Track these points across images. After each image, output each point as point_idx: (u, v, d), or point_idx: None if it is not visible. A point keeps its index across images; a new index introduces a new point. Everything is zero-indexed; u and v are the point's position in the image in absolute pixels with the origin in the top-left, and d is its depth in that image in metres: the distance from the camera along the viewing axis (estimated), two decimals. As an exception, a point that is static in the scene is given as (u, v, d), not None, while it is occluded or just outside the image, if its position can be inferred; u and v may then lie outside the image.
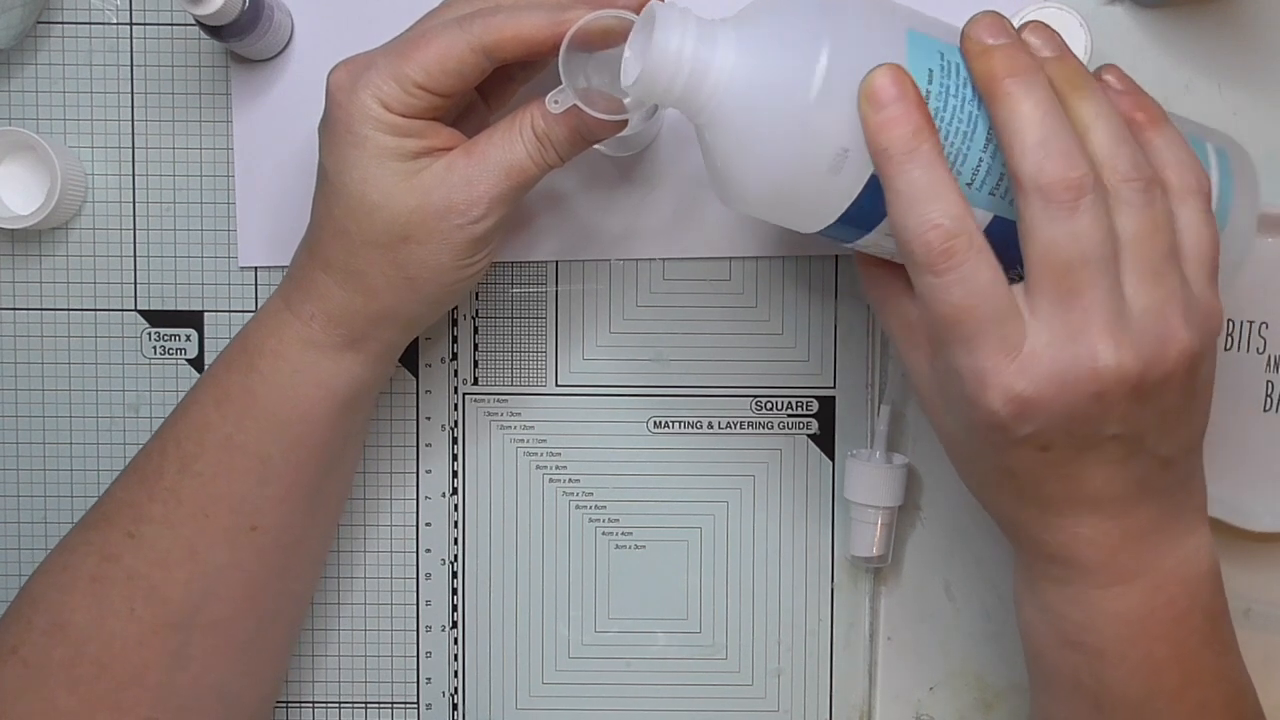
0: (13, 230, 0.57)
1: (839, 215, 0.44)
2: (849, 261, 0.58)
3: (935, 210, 0.41)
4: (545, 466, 0.59)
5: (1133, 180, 0.42)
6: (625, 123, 0.49)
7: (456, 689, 0.60)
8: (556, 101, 0.47)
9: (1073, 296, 0.41)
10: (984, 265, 0.41)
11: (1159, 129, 0.45)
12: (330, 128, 0.48)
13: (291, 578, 0.54)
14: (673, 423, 0.59)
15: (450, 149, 0.48)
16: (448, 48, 0.47)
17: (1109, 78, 0.46)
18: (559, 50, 0.46)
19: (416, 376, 0.59)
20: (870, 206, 0.43)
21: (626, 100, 0.48)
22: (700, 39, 0.43)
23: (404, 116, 0.47)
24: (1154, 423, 0.43)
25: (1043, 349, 0.41)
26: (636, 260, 0.59)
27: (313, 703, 0.60)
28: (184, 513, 0.50)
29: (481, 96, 0.53)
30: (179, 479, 0.50)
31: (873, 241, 0.46)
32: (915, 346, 0.46)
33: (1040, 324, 0.41)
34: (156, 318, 0.59)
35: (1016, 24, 0.53)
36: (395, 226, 0.48)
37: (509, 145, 0.48)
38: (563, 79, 0.46)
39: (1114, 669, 0.46)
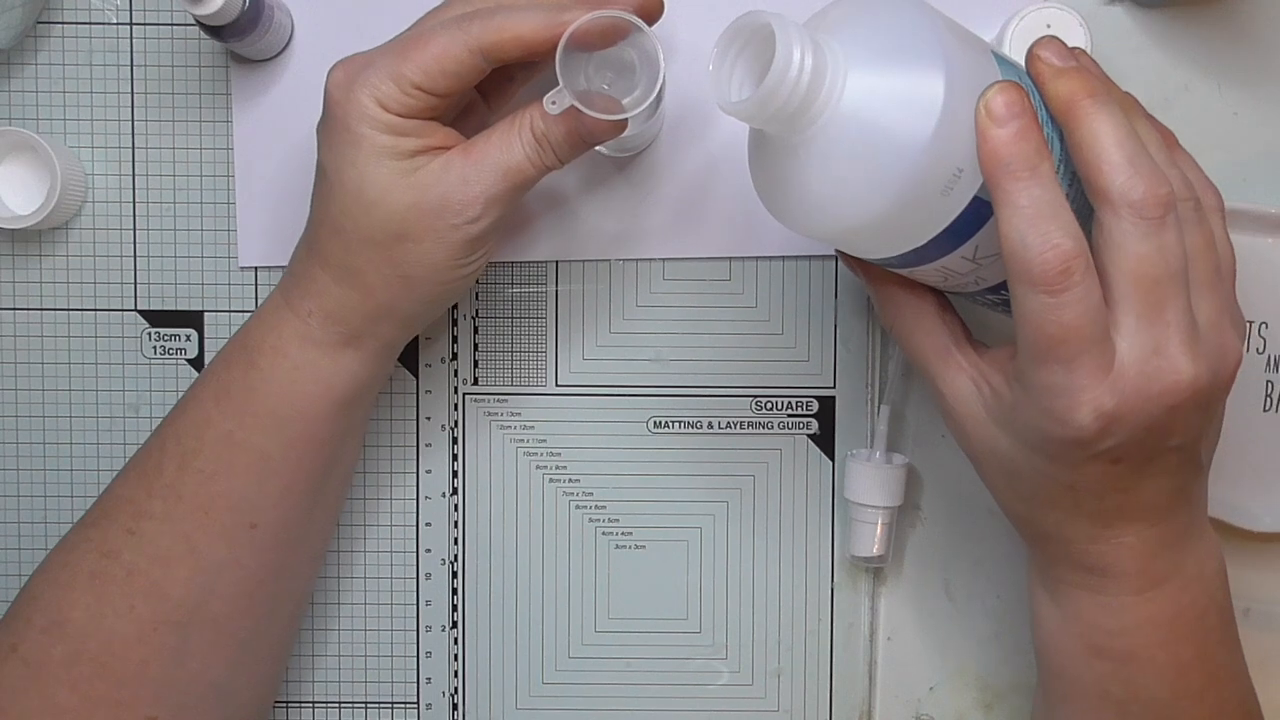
0: (13, 230, 0.57)
1: (928, 239, 0.43)
2: (849, 261, 0.58)
3: (1056, 230, 0.40)
4: (545, 466, 0.59)
5: (1187, 199, 0.43)
6: (625, 125, 0.49)
7: (456, 689, 0.60)
8: (554, 103, 0.47)
9: (1157, 311, 0.41)
10: (1096, 287, 0.41)
11: (1177, 149, 0.46)
12: (328, 126, 0.48)
13: (290, 575, 0.54)
14: (673, 423, 0.59)
15: (448, 148, 0.49)
16: (445, 49, 0.47)
17: None
18: (557, 51, 0.46)
19: (416, 376, 0.59)
20: (962, 229, 0.43)
21: (625, 101, 0.48)
22: (816, 55, 0.41)
23: (401, 116, 0.47)
24: (1205, 432, 0.45)
25: (1129, 365, 0.41)
26: (636, 260, 0.59)
27: (313, 703, 0.60)
28: (184, 509, 0.50)
29: (482, 96, 0.53)
30: (179, 475, 0.50)
31: (942, 265, 0.45)
32: (953, 367, 0.47)
33: (1125, 340, 0.41)
34: (156, 318, 0.59)
35: (1017, 24, 0.53)
36: (391, 224, 0.48)
37: (507, 146, 0.48)
38: (560, 80, 0.46)
39: (1143, 674, 0.46)
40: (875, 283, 0.49)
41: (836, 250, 0.51)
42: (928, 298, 0.48)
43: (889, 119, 0.41)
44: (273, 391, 0.50)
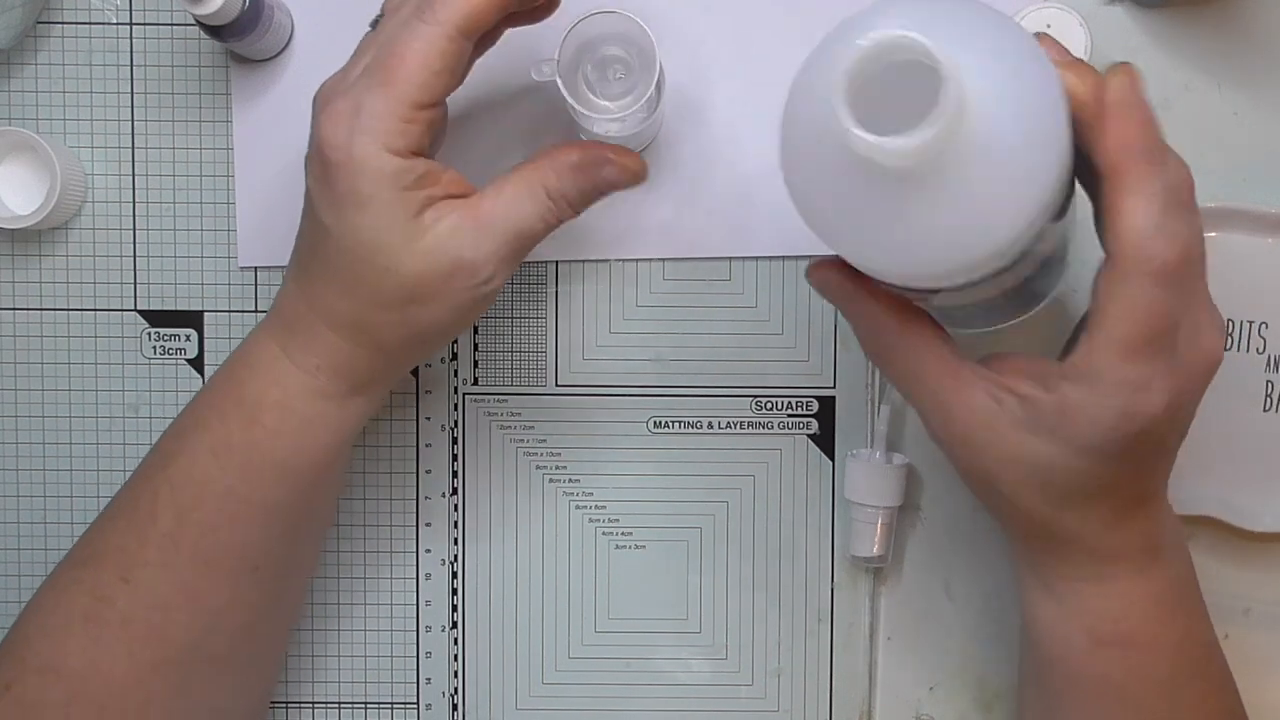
0: (13, 230, 0.57)
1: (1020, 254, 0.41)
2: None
3: (1183, 220, 0.40)
4: (545, 466, 0.59)
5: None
6: (644, 172, 0.49)
7: (456, 689, 0.60)
8: (543, 72, 0.47)
9: (1196, 288, 0.42)
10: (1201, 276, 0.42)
11: None
12: (331, 186, 0.46)
13: (287, 604, 0.54)
14: (673, 423, 0.59)
15: (454, 196, 0.47)
16: (425, 50, 0.45)
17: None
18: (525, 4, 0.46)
19: (416, 376, 0.59)
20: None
21: (624, 100, 0.48)
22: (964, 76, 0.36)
23: (407, 155, 0.45)
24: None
25: (1183, 350, 0.42)
26: (636, 260, 0.59)
27: (312, 703, 0.60)
28: (183, 559, 0.48)
29: None
30: (177, 527, 0.48)
31: (997, 283, 0.43)
32: (965, 383, 0.45)
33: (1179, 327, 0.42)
34: (156, 318, 0.59)
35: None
36: (403, 290, 0.47)
37: (518, 208, 0.47)
38: (558, 57, 0.46)
39: (1143, 655, 0.46)
40: (882, 305, 0.46)
41: (819, 279, 0.47)
42: (925, 317, 0.47)
43: (1021, 139, 0.37)
44: (281, 445, 0.49)
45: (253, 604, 0.50)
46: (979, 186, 0.37)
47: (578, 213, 0.48)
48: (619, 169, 0.49)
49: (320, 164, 0.46)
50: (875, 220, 0.39)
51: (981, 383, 0.45)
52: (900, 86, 0.36)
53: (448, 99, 0.48)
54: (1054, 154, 0.38)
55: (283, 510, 0.50)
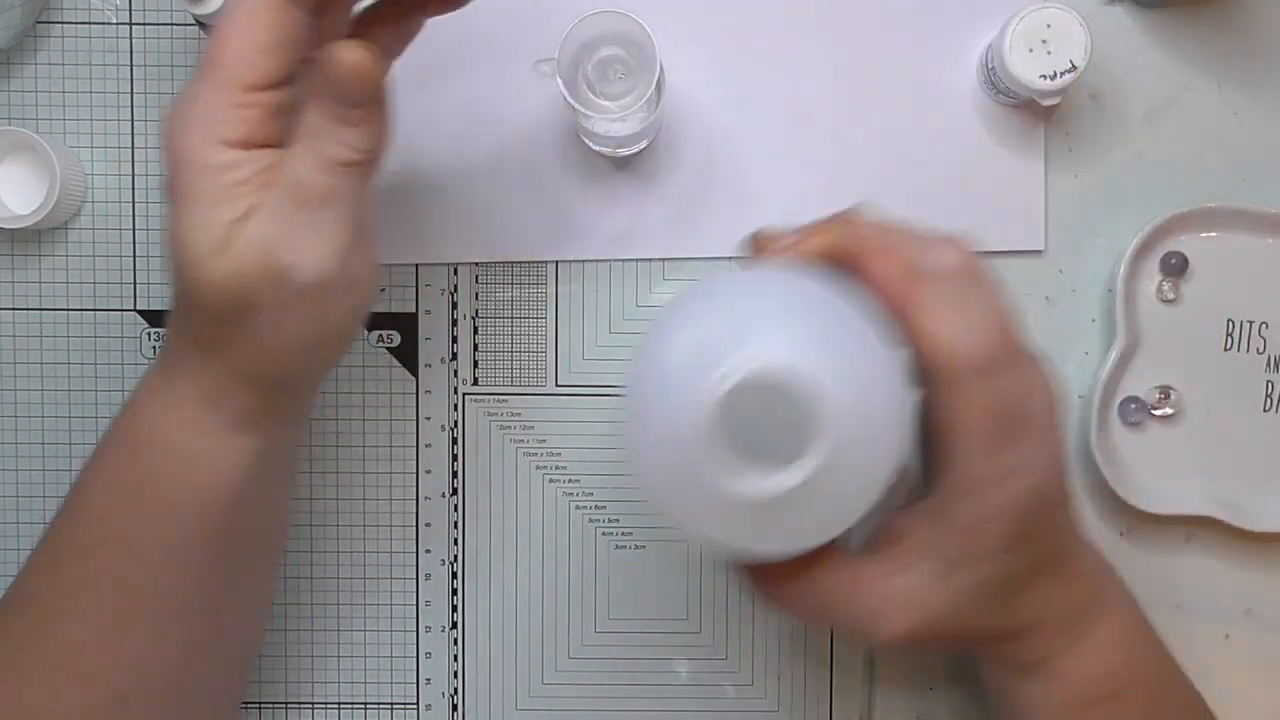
0: (13, 230, 0.57)
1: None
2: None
3: (979, 314, 0.41)
4: (545, 466, 0.59)
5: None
6: (363, 61, 0.40)
7: (456, 689, 0.60)
8: (546, 70, 0.47)
9: (1009, 342, 0.43)
10: None
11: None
12: (169, 188, 0.41)
13: (230, 639, 0.50)
14: (673, 423, 0.59)
15: None
16: (250, 23, 0.39)
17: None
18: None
19: (416, 376, 0.59)
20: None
21: (614, 105, 0.48)
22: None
23: (248, 146, 0.40)
24: None
25: (1024, 404, 0.43)
26: (636, 260, 0.59)
27: (312, 703, 0.60)
28: (96, 604, 0.45)
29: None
30: (81, 572, 0.45)
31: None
32: (876, 581, 0.44)
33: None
34: (156, 318, 0.59)
35: (1017, 24, 0.53)
36: (229, 302, 0.41)
37: (292, 163, 0.40)
38: (562, 90, 0.46)
39: (1127, 700, 0.46)
40: (801, 572, 0.44)
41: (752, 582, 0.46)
42: (829, 552, 0.44)
43: (877, 419, 0.39)
44: (169, 485, 0.44)
45: (183, 646, 0.47)
46: (848, 477, 0.39)
47: (359, 150, 0.40)
48: (328, 64, 0.40)
49: (164, 164, 0.41)
50: (741, 527, 0.40)
51: (887, 569, 0.44)
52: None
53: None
54: (906, 409, 0.40)
55: (191, 551, 0.45)
